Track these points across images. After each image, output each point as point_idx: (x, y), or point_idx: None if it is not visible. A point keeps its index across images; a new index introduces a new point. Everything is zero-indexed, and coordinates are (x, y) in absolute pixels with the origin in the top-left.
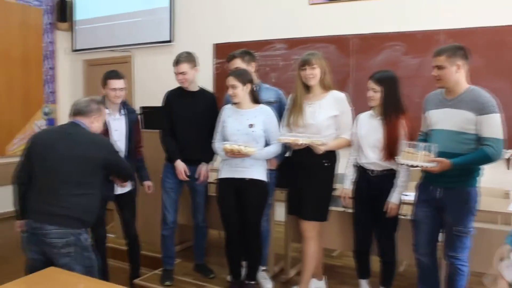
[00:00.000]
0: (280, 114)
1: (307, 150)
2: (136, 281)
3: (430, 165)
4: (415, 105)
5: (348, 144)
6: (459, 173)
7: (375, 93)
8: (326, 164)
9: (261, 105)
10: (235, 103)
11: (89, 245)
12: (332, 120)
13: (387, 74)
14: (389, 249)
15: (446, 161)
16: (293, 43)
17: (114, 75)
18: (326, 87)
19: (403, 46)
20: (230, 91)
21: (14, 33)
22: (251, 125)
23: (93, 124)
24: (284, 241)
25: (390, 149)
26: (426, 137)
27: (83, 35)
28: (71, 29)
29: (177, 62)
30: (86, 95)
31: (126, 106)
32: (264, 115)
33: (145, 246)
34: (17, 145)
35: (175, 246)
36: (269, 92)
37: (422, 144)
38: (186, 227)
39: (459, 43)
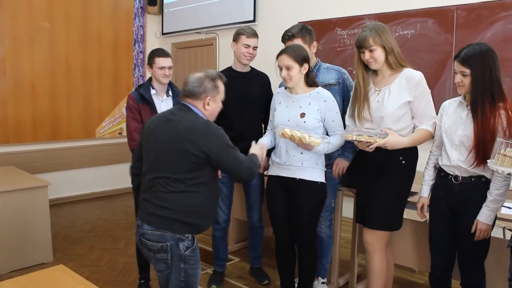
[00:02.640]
0: (343, 98)
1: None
2: None
3: None
4: None
5: (431, 137)
6: None
7: (464, 78)
8: (403, 162)
9: (318, 89)
10: (287, 87)
11: (190, 256)
12: (406, 107)
13: (478, 49)
14: (475, 279)
15: None
16: (385, 18)
17: (161, 52)
18: (396, 67)
19: None
20: (283, 73)
21: (106, 17)
22: (303, 114)
23: (208, 107)
24: (350, 251)
25: (483, 151)
26: None
27: (172, 18)
28: (160, 12)
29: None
30: (175, 79)
31: (172, 87)
32: (320, 101)
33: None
34: (106, 128)
35: (235, 243)
36: (329, 74)
37: None
38: (247, 224)
39: None
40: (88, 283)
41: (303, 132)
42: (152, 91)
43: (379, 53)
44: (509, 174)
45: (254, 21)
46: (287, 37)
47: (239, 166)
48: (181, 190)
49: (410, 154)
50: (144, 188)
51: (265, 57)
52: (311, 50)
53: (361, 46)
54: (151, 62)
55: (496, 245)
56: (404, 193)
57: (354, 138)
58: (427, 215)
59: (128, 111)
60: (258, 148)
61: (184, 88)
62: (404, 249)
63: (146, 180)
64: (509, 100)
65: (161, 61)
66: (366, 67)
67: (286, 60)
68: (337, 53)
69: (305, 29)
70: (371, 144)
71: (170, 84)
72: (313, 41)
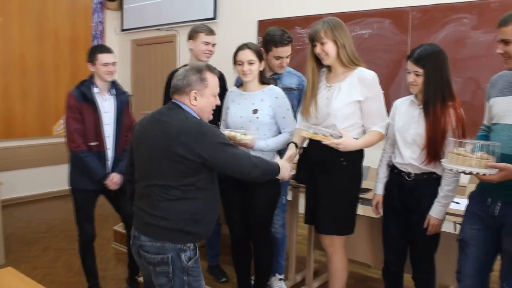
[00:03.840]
0: (299, 103)
1: (321, 143)
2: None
3: (487, 172)
4: (484, 92)
5: (382, 139)
6: None
7: (417, 77)
8: (343, 163)
9: (270, 86)
10: (239, 85)
11: (193, 268)
12: (354, 106)
13: (430, 50)
14: (426, 272)
15: (511, 169)
16: (344, 18)
17: (104, 48)
18: (348, 64)
19: (472, 18)
20: (246, 67)
21: (63, 12)
22: (255, 111)
23: (196, 102)
24: (307, 247)
25: (434, 148)
26: (488, 133)
27: (132, 14)
28: (120, 8)
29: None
30: (133, 76)
31: (115, 86)
32: (272, 97)
33: None
34: (63, 126)
35: None
36: (291, 78)
37: (478, 143)
38: None
39: None
40: (38, 286)
41: (236, 132)
42: (95, 90)
43: (330, 47)
44: (462, 172)
45: (214, 18)
46: (286, 42)
47: (239, 163)
48: (178, 198)
49: (352, 156)
50: (138, 196)
51: (225, 55)
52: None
53: (313, 39)
54: (93, 59)
55: (445, 238)
56: (349, 197)
57: (309, 136)
58: (381, 211)
59: (68, 111)
60: (283, 161)
61: (172, 84)
62: (360, 245)
63: (139, 188)
64: (458, 100)
65: (104, 57)
66: (318, 62)
67: (250, 55)
68: (296, 51)
69: (283, 30)
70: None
71: (113, 82)
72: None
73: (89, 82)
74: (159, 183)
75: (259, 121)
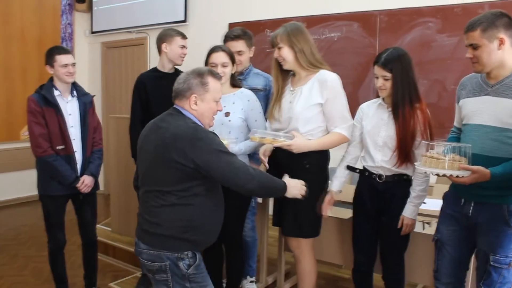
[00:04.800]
0: (267, 105)
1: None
2: (112, 284)
3: (460, 174)
4: (450, 94)
5: (344, 141)
6: (502, 185)
7: (386, 81)
8: (306, 166)
9: (242, 89)
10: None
11: (195, 274)
12: (316, 109)
13: (396, 54)
14: (396, 272)
15: (483, 171)
16: (313, 21)
17: (61, 49)
18: (308, 68)
19: (437, 22)
20: (219, 69)
21: (30, 14)
22: (227, 114)
23: (197, 107)
24: (277, 249)
25: (404, 151)
26: (459, 135)
27: (101, 17)
28: (89, 10)
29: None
30: (104, 79)
31: (76, 87)
32: (244, 100)
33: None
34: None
35: None
36: (257, 79)
37: (450, 145)
38: None
39: (499, 10)
40: None
41: None
42: (56, 92)
43: (286, 52)
44: (436, 175)
45: (185, 21)
46: (233, 36)
47: (235, 173)
48: (172, 203)
49: (316, 158)
50: (140, 202)
51: (196, 57)
52: (250, 54)
53: (272, 44)
54: (51, 61)
55: (414, 238)
56: (313, 200)
57: (257, 140)
58: (328, 211)
59: (31, 116)
60: (292, 180)
61: (173, 89)
62: (330, 246)
63: (141, 194)
64: (424, 102)
65: (63, 58)
66: (280, 67)
67: (223, 57)
68: (266, 54)
69: (248, 33)
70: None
71: (73, 84)
72: (252, 46)
73: (49, 85)
74: (155, 188)
75: (231, 124)
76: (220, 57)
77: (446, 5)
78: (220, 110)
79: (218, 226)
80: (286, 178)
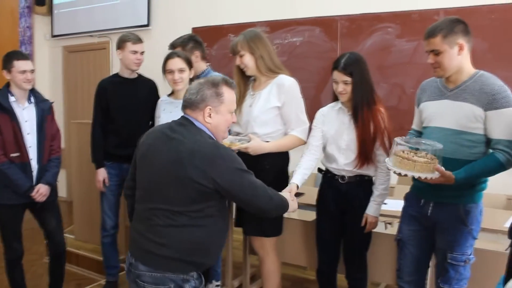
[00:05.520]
0: None
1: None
2: None
3: (429, 176)
4: (409, 97)
5: (300, 143)
6: (459, 186)
7: (346, 86)
8: (266, 167)
9: None
10: (170, 94)
11: None
12: (273, 113)
13: (354, 58)
14: (359, 271)
15: (450, 176)
16: (276, 26)
17: (20, 55)
18: (267, 73)
19: (396, 28)
20: (177, 75)
21: None
22: None
23: (211, 119)
24: (242, 252)
25: (365, 152)
26: (417, 137)
27: (62, 20)
28: (50, 13)
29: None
30: (66, 84)
31: (35, 94)
32: None
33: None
34: None
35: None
36: None
37: (422, 144)
38: None
39: (455, 16)
40: None
41: None
42: (11, 98)
43: (248, 59)
44: (404, 175)
45: (148, 25)
46: (170, 46)
47: (256, 194)
48: (183, 224)
49: (276, 160)
50: (138, 218)
51: (160, 62)
52: (193, 59)
53: (233, 52)
54: (8, 66)
55: (376, 238)
56: None
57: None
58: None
59: None
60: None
61: (184, 97)
62: (295, 248)
63: (140, 209)
64: (382, 104)
65: (21, 64)
66: (243, 72)
67: (180, 63)
68: (229, 58)
69: (188, 39)
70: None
71: (32, 90)
72: (195, 50)
73: (4, 90)
74: (163, 207)
75: None
76: (176, 63)
77: (404, 11)
78: (235, 122)
79: (223, 246)
80: (284, 193)
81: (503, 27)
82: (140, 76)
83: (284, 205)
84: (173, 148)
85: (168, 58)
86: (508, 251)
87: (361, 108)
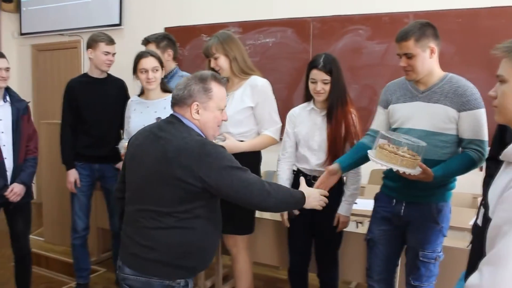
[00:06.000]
0: None
1: None
2: None
3: (413, 172)
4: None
5: (273, 143)
6: (431, 185)
7: (325, 85)
8: None
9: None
10: (141, 94)
11: None
12: (247, 113)
13: (331, 58)
14: (331, 269)
15: (430, 173)
16: (248, 26)
17: None
18: (240, 74)
19: (367, 30)
20: (151, 74)
21: None
22: (159, 119)
23: (199, 116)
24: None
25: (334, 152)
26: (374, 138)
27: (31, 18)
28: (18, 10)
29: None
30: (35, 83)
31: (10, 93)
32: None
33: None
34: None
35: (102, 253)
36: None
37: (406, 140)
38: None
39: (425, 20)
40: None
41: None
42: None
43: (223, 61)
44: (390, 169)
45: (120, 25)
46: (143, 42)
47: (250, 191)
48: (171, 226)
49: (248, 159)
50: (127, 220)
51: (131, 62)
52: (166, 57)
53: (207, 54)
54: None
55: (348, 237)
56: None
57: None
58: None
59: None
60: (310, 189)
61: (172, 94)
62: (267, 248)
63: (129, 211)
64: (354, 106)
65: None
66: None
67: (154, 62)
68: (202, 59)
69: (162, 37)
70: None
71: (7, 89)
72: (168, 48)
73: None
74: (151, 208)
75: None
76: (151, 62)
77: (375, 13)
78: (225, 120)
79: (214, 250)
80: (304, 187)
81: (469, 31)
82: (109, 75)
83: (294, 198)
84: (160, 147)
85: (141, 57)
86: (469, 248)
87: (335, 107)
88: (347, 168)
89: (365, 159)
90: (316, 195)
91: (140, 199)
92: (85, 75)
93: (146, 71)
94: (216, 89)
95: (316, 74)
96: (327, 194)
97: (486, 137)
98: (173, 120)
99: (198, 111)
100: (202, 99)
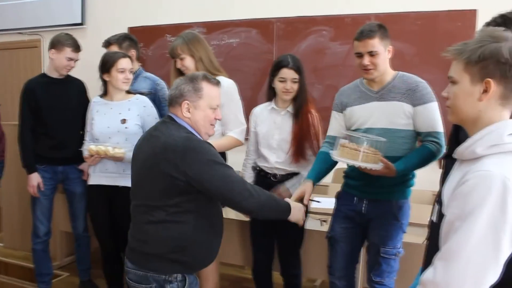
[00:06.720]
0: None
1: None
2: None
3: (374, 167)
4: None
5: (237, 144)
6: (392, 182)
7: (294, 84)
8: None
9: (137, 95)
10: (103, 95)
11: None
12: None
13: (298, 58)
14: (294, 267)
15: (393, 167)
16: (212, 27)
17: None
18: None
19: (330, 31)
20: (128, 75)
21: None
22: (124, 120)
23: (189, 114)
24: None
25: (300, 150)
26: (333, 145)
27: None
28: None
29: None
30: None
31: None
32: (140, 106)
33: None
34: None
35: (65, 257)
36: (144, 82)
37: (366, 137)
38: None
39: (380, 22)
40: None
41: (107, 146)
42: None
43: (189, 62)
44: (353, 165)
45: (82, 24)
46: (104, 44)
47: (230, 188)
48: (161, 220)
49: None
50: (131, 218)
51: (94, 61)
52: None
53: (172, 55)
54: None
55: (311, 235)
56: None
57: None
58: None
59: None
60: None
61: (167, 96)
62: (232, 248)
63: (131, 208)
64: (314, 106)
65: None
66: (181, 75)
67: (130, 63)
68: (167, 59)
69: (123, 37)
70: None
71: None
72: (131, 48)
73: None
74: (142, 203)
75: (128, 131)
76: (128, 63)
77: (338, 15)
78: (219, 119)
79: (215, 247)
80: (289, 200)
81: (429, 33)
82: (68, 76)
83: (277, 209)
84: (151, 144)
85: (120, 56)
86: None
87: (301, 106)
88: (318, 180)
89: (332, 166)
90: (299, 209)
91: (135, 195)
92: (44, 75)
93: (124, 70)
94: (207, 88)
95: (286, 73)
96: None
97: (441, 129)
98: (166, 119)
99: (189, 109)
100: (192, 98)
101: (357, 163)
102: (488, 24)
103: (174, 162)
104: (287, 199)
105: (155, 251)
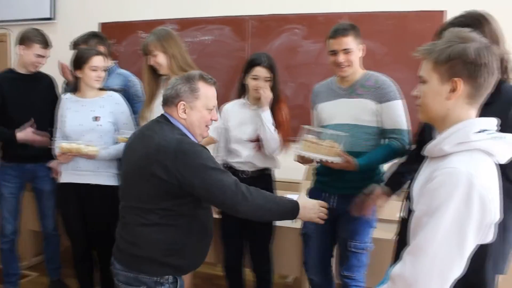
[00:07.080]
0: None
1: None
2: None
3: (335, 160)
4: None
5: (211, 142)
6: (360, 178)
7: (266, 82)
8: None
9: (110, 92)
10: (75, 91)
11: None
12: None
13: (271, 57)
14: (265, 263)
15: (353, 162)
16: (186, 24)
17: None
18: (178, 72)
19: (303, 29)
20: (101, 74)
21: None
22: (97, 118)
23: (185, 115)
24: None
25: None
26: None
27: None
28: None
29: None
30: None
31: None
32: (112, 103)
33: None
34: None
35: (34, 256)
36: (116, 79)
37: (327, 132)
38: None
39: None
40: None
41: (79, 143)
42: None
43: (161, 59)
44: (319, 160)
45: (52, 18)
46: (73, 45)
47: (222, 191)
48: (154, 223)
49: None
50: (119, 218)
51: (63, 57)
52: None
53: (145, 52)
54: None
55: (283, 233)
56: None
57: (126, 141)
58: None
59: None
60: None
61: (162, 95)
62: None
63: (120, 209)
64: (285, 103)
65: None
66: (154, 71)
67: (101, 60)
68: (139, 55)
69: (91, 35)
70: None
71: None
72: (100, 45)
73: None
74: (134, 204)
75: (101, 129)
76: (101, 61)
77: (311, 13)
78: (215, 120)
79: (206, 249)
80: (302, 197)
81: (399, 33)
82: (38, 72)
83: (278, 210)
84: (143, 144)
85: (94, 54)
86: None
87: (273, 104)
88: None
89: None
90: (313, 206)
91: (125, 195)
92: (11, 70)
93: (97, 69)
94: (204, 89)
95: (259, 71)
96: (326, 205)
97: (405, 126)
98: (160, 119)
99: (185, 110)
100: (188, 99)
101: (318, 156)
102: (451, 23)
103: (165, 164)
104: (301, 196)
105: (147, 254)
